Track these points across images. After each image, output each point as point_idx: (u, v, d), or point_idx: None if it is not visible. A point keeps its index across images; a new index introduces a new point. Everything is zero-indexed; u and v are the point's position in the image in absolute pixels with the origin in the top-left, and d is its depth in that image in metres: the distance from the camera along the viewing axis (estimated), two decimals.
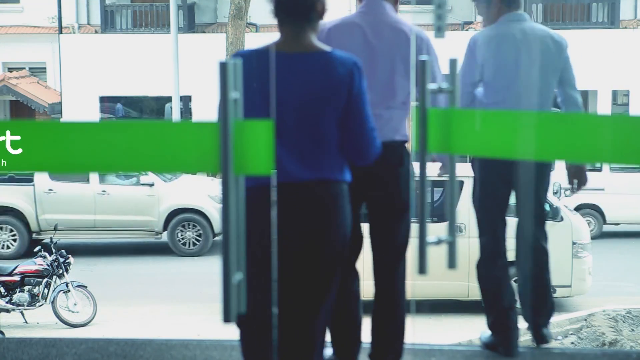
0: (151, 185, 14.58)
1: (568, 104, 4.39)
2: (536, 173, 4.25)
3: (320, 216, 3.00)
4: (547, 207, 4.76)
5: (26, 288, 10.28)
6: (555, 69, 4.31)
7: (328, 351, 4.13)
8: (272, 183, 2.84)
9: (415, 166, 2.78)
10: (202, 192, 14.87)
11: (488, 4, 4.48)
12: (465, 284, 9.81)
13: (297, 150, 2.98)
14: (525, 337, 9.26)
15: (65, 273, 10.38)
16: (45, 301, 10.34)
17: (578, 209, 13.87)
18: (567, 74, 4.35)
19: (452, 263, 2.86)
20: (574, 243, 9.94)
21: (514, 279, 4.59)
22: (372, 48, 3.75)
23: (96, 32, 23.35)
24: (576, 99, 4.38)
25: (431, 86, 2.80)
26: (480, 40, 4.34)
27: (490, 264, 4.35)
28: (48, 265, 10.39)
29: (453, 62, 2.86)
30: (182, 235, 14.68)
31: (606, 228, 15.39)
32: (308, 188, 2.94)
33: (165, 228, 14.70)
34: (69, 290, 10.34)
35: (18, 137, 2.54)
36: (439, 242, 2.79)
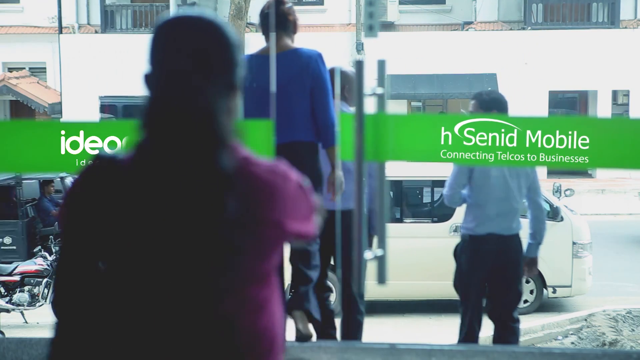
0: None
1: (534, 209, 5.34)
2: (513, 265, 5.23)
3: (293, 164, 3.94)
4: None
5: (26, 288, 10.28)
6: (527, 179, 5.24)
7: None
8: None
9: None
10: None
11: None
12: None
13: (277, 121, 3.84)
14: (525, 337, 9.25)
15: None
16: (45, 301, 10.34)
17: None
18: (534, 184, 5.29)
19: (381, 278, 2.78)
20: (574, 243, 9.93)
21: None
22: None
23: (96, 32, 23.35)
24: (540, 204, 5.35)
25: (366, 91, 2.82)
26: None
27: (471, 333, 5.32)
28: (48, 265, 10.39)
29: (381, 63, 2.85)
30: None
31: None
32: (285, 147, 3.82)
33: None
34: None
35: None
36: (373, 257, 2.74)
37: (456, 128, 3.26)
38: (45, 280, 10.32)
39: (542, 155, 3.30)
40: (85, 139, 2.89)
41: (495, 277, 5.24)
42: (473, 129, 3.28)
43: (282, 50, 4.17)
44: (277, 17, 4.10)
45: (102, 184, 1.64)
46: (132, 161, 1.65)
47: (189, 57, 1.68)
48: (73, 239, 1.69)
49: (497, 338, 5.33)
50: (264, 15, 4.26)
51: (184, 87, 1.65)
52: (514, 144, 3.29)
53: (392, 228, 12.04)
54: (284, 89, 4.07)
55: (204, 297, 1.63)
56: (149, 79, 1.73)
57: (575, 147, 3.23)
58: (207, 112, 1.65)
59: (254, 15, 22.36)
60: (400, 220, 10.21)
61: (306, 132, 4.15)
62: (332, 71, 4.58)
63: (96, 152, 2.46)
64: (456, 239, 5.62)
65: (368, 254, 2.72)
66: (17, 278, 10.29)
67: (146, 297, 1.65)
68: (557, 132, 3.24)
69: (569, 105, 24.01)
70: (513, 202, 5.19)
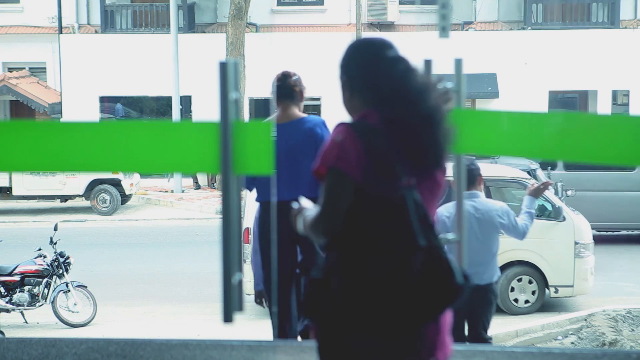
0: None
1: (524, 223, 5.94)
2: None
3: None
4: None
5: (26, 288, 10.27)
6: (496, 230, 5.88)
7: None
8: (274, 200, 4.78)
9: None
10: None
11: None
12: None
13: (285, 181, 4.76)
14: (524, 337, 9.26)
15: (65, 273, 10.36)
16: (45, 301, 10.33)
17: None
18: (510, 224, 5.86)
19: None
20: (576, 243, 9.91)
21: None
22: None
23: (96, 32, 23.36)
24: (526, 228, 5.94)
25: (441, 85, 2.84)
26: (444, 215, 5.62)
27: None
28: (48, 265, 10.38)
29: (458, 62, 2.94)
30: None
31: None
32: (288, 204, 4.11)
33: None
34: (69, 290, 10.33)
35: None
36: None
37: None
38: (45, 280, 10.31)
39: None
40: None
41: (468, 324, 5.78)
42: None
43: (291, 119, 4.87)
44: (285, 89, 4.87)
45: (368, 136, 2.53)
46: (380, 125, 2.55)
47: (399, 64, 2.70)
48: (351, 177, 2.51)
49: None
50: (274, 86, 4.91)
51: (403, 83, 2.61)
52: None
53: None
54: (292, 152, 4.79)
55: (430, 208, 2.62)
56: (357, 80, 2.66)
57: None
58: (422, 98, 2.59)
59: (254, 15, 22.40)
60: None
61: (310, 189, 4.51)
62: None
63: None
64: None
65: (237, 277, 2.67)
66: (17, 278, 10.28)
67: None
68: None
69: (569, 105, 24.01)
70: (482, 254, 5.74)
